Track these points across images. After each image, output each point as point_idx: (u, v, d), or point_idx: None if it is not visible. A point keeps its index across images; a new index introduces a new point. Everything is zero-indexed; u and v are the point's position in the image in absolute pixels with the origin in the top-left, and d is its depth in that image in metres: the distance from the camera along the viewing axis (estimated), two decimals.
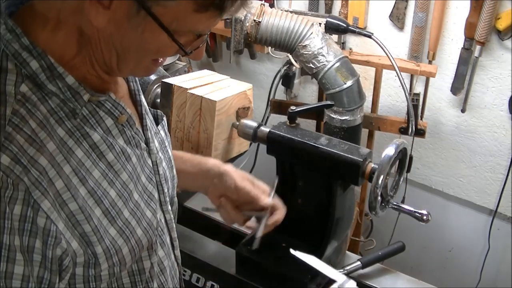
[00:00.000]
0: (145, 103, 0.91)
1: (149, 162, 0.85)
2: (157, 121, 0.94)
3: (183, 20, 0.67)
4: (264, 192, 1.08)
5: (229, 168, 1.08)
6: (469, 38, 1.77)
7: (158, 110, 0.96)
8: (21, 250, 0.63)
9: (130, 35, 0.68)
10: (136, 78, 0.88)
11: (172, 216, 0.93)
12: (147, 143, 0.84)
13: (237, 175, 1.07)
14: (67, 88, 0.70)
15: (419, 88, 1.86)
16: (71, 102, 0.71)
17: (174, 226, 0.94)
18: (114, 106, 0.77)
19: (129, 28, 0.67)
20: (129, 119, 0.79)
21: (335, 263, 1.35)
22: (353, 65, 1.64)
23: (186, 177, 1.08)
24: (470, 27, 1.75)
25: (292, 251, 1.06)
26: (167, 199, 0.90)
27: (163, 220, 0.89)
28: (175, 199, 0.98)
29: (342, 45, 2.01)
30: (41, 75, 0.68)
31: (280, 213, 1.08)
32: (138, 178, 0.81)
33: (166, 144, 0.94)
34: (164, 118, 0.97)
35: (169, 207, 0.92)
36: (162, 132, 0.94)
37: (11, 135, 0.64)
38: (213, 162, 1.10)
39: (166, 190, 0.89)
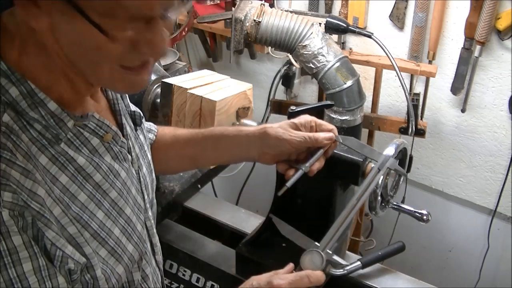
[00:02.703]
0: (122, 105, 0.86)
1: (133, 171, 0.82)
2: (135, 122, 0.89)
3: (115, 7, 0.59)
4: (314, 126, 1.05)
5: (266, 128, 0.99)
6: (469, 38, 1.77)
7: (136, 110, 0.90)
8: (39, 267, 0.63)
9: (74, 39, 0.63)
10: None
11: (152, 222, 0.90)
12: (129, 152, 0.82)
13: (279, 132, 0.98)
14: (50, 115, 0.67)
15: (419, 88, 1.86)
16: (55, 129, 0.67)
17: (155, 231, 0.91)
18: (98, 125, 0.74)
19: (70, 30, 0.62)
20: (114, 136, 0.77)
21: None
22: (353, 65, 1.64)
23: (228, 151, 1.03)
24: (470, 27, 1.75)
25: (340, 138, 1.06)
26: (148, 205, 0.88)
27: (144, 228, 0.87)
28: (154, 200, 0.95)
29: (342, 45, 2.01)
30: (21, 102, 0.64)
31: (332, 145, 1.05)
32: (128, 193, 0.78)
33: (146, 148, 0.91)
34: (143, 120, 0.92)
35: (150, 213, 0.88)
36: (141, 136, 0.90)
37: (6, 172, 0.60)
38: (248, 129, 1.01)
39: (146, 196, 0.87)
